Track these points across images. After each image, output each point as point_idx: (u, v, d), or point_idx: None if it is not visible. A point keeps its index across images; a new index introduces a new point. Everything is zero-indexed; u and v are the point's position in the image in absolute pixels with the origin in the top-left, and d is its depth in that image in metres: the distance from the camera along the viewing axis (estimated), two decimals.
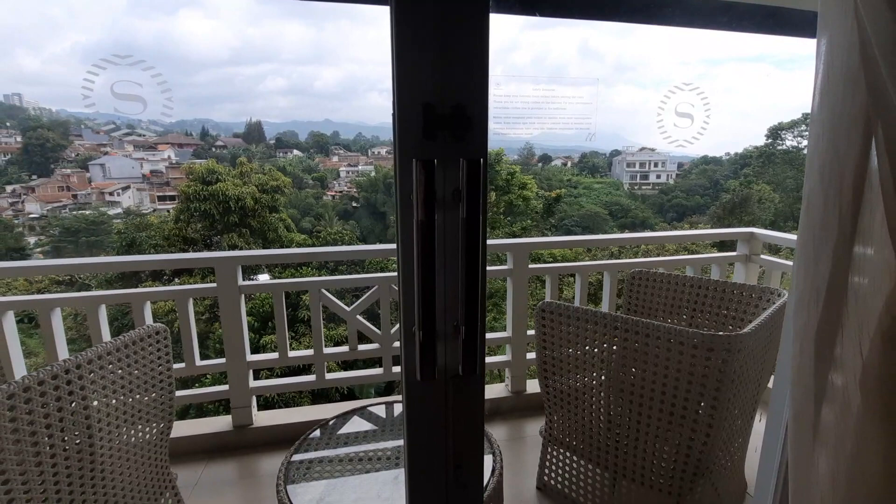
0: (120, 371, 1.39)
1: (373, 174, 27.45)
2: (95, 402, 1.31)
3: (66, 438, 1.23)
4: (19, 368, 2.01)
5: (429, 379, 0.62)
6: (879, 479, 0.73)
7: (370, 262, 12.02)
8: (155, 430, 1.54)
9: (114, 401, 1.37)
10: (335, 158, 31.68)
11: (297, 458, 1.62)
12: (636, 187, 29.99)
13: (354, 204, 26.23)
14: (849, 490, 0.77)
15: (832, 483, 0.83)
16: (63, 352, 2.04)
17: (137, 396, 1.46)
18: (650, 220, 26.11)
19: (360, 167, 30.13)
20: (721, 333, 1.39)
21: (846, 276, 0.85)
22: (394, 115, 0.60)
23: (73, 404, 1.24)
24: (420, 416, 0.67)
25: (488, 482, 1.50)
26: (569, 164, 32.27)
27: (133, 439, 1.46)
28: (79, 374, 1.24)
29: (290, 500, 1.41)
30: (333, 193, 27.38)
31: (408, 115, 0.59)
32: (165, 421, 1.59)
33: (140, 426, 1.48)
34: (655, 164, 30.64)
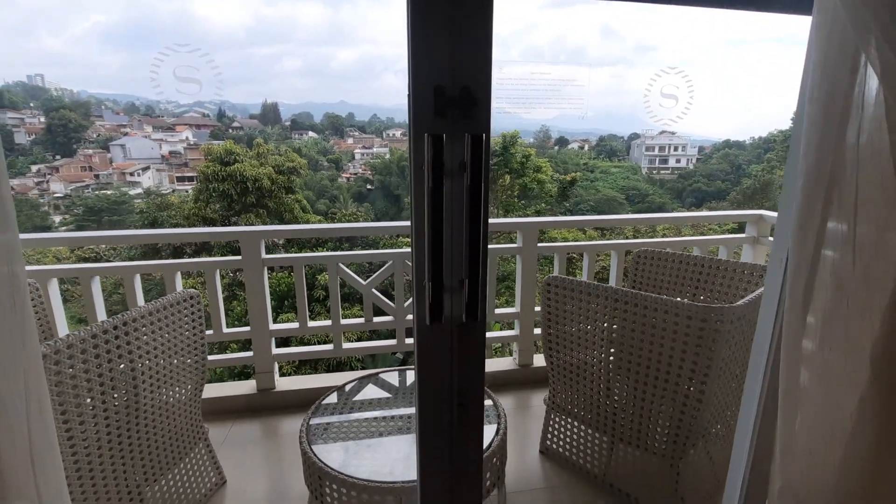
0: (160, 330, 1.53)
1: (387, 157, 27.44)
2: (140, 364, 1.45)
3: (115, 385, 1.38)
4: (63, 331, 2.19)
5: (436, 322, 0.73)
6: (873, 438, 0.80)
7: (384, 243, 12.24)
8: (190, 389, 1.70)
9: (155, 360, 1.52)
10: (350, 140, 31.75)
11: (315, 421, 1.75)
12: (655, 171, 29.47)
13: (369, 186, 26.36)
14: (829, 444, 0.86)
15: (809, 439, 0.93)
16: (102, 316, 2.21)
17: (175, 359, 1.61)
18: (668, 205, 25.69)
19: (374, 149, 30.16)
20: (714, 305, 1.47)
21: (820, 251, 0.93)
22: (409, 94, 0.69)
23: (121, 357, 1.38)
24: (429, 358, 0.78)
25: (493, 440, 1.62)
26: (586, 147, 31.81)
27: (171, 398, 1.61)
28: (125, 331, 1.39)
29: (313, 453, 1.55)
30: (348, 176, 27.53)
31: (421, 95, 0.68)
32: (199, 381, 1.74)
33: (177, 386, 1.63)
34: (675, 148, 30.00)
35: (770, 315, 1.06)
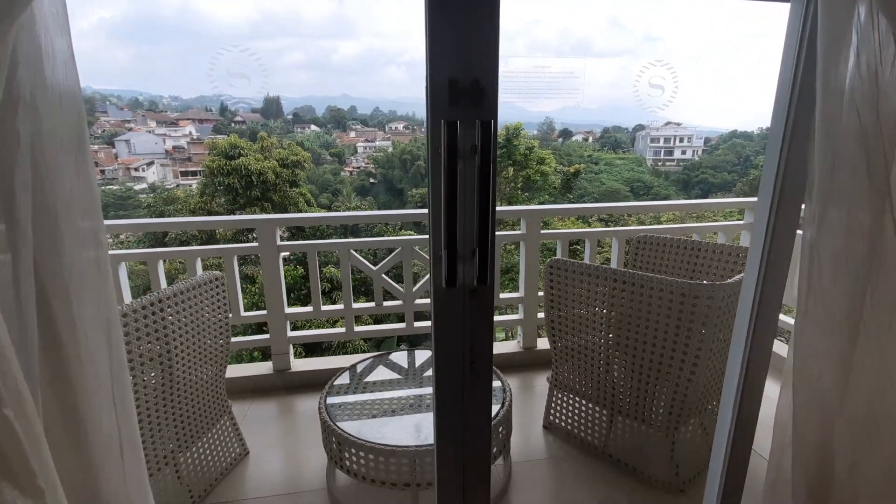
0: (189, 310, 1.64)
1: (390, 150, 27.44)
2: (174, 344, 1.57)
3: (153, 360, 1.50)
4: None
5: (451, 286, 0.84)
6: None
7: (390, 233, 12.37)
8: (215, 368, 1.82)
9: (186, 339, 1.63)
10: (352, 134, 31.69)
11: (331, 398, 1.86)
12: (660, 163, 29.27)
13: (372, 180, 26.41)
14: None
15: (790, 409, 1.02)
16: (128, 300, 2.33)
17: (205, 338, 1.72)
18: (673, 197, 25.55)
19: (377, 142, 30.11)
20: (705, 283, 1.57)
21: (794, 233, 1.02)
22: (426, 87, 0.79)
23: (157, 332, 1.50)
24: (444, 319, 0.88)
25: (499, 412, 1.73)
26: (590, 139, 31.64)
27: (200, 375, 1.73)
28: (161, 307, 1.50)
29: (332, 422, 1.67)
30: (351, 169, 27.56)
31: (438, 87, 0.78)
32: (223, 360, 1.86)
33: (206, 364, 1.75)
34: (681, 140, 29.76)
35: (750, 292, 1.15)
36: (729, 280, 1.62)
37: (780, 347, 2.39)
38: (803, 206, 1.05)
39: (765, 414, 1.28)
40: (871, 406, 1.02)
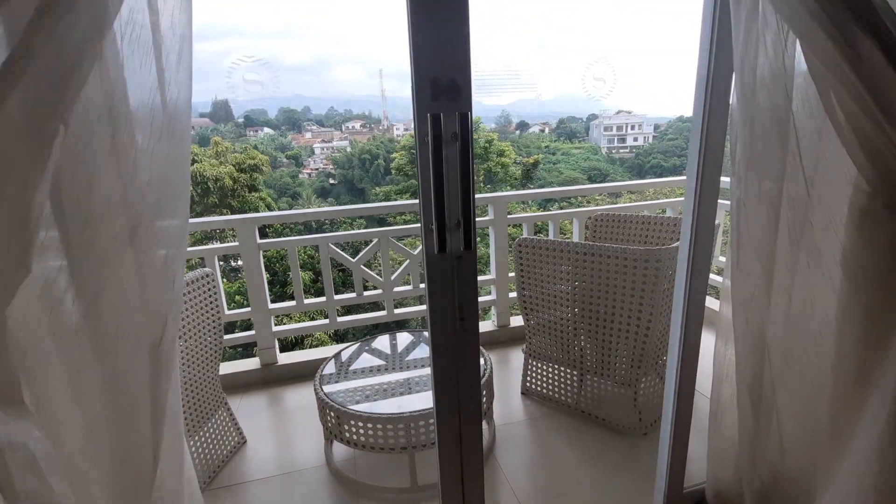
0: (185, 304, 1.72)
1: (348, 150, 27.16)
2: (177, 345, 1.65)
3: None
4: None
5: (442, 252, 1.00)
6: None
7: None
8: (212, 362, 1.90)
9: (184, 338, 1.71)
10: (308, 135, 31.04)
11: (325, 385, 1.98)
12: (614, 151, 30.37)
13: (332, 181, 26.07)
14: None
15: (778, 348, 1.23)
16: None
17: (199, 335, 1.81)
18: None
19: (334, 143, 29.68)
20: (653, 248, 1.80)
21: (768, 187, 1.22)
22: (412, 86, 0.94)
23: None
24: (437, 281, 1.04)
25: (481, 379, 1.91)
26: (546, 130, 32.40)
27: (198, 369, 1.81)
28: None
29: (329, 398, 1.79)
30: (309, 171, 27.06)
31: (422, 86, 0.93)
32: (218, 355, 1.94)
33: (202, 359, 1.83)
34: (632, 127, 30.97)
35: (685, 253, 1.37)
36: (673, 245, 1.86)
37: (711, 303, 2.72)
38: (728, 177, 1.27)
39: (702, 362, 1.49)
40: (788, 335, 1.25)
